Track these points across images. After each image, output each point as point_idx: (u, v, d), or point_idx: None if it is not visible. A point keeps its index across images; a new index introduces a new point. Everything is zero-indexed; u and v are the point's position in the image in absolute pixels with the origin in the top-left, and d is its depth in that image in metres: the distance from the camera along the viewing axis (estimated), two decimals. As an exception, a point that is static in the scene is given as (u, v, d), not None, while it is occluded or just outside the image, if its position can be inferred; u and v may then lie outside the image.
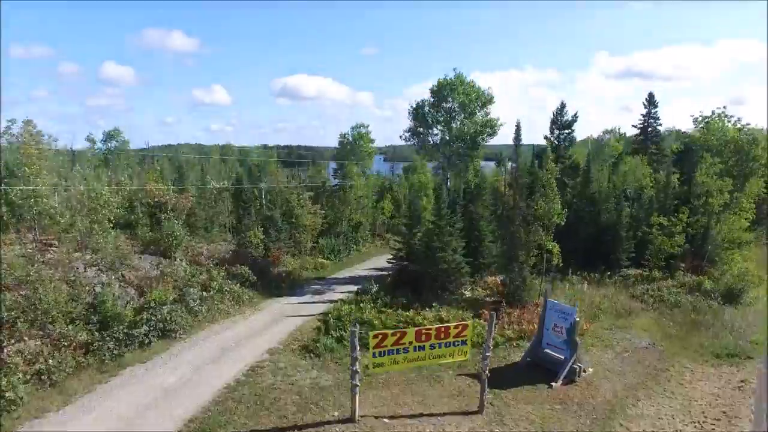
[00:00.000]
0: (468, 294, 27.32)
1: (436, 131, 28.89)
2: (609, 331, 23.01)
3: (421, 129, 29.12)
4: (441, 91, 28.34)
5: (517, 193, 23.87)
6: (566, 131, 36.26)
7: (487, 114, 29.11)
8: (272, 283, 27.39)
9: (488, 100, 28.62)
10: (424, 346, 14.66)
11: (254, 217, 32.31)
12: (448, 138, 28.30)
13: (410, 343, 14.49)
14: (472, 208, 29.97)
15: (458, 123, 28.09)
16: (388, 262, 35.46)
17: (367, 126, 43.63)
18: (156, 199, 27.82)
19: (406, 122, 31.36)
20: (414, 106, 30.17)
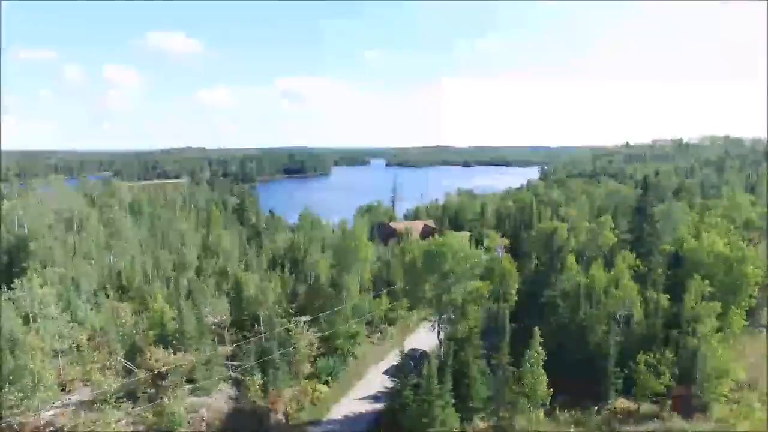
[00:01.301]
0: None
1: (427, 289, 29.72)
2: None
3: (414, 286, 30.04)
4: (432, 258, 29.10)
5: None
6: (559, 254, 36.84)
7: (476, 266, 29.84)
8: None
9: (476, 264, 29.34)
10: None
11: (252, 355, 33.36)
12: (440, 301, 29.22)
13: None
14: (463, 355, 30.75)
15: (450, 288, 28.96)
16: (386, 373, 36.75)
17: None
18: (156, 370, 28.94)
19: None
20: (407, 262, 31.04)
